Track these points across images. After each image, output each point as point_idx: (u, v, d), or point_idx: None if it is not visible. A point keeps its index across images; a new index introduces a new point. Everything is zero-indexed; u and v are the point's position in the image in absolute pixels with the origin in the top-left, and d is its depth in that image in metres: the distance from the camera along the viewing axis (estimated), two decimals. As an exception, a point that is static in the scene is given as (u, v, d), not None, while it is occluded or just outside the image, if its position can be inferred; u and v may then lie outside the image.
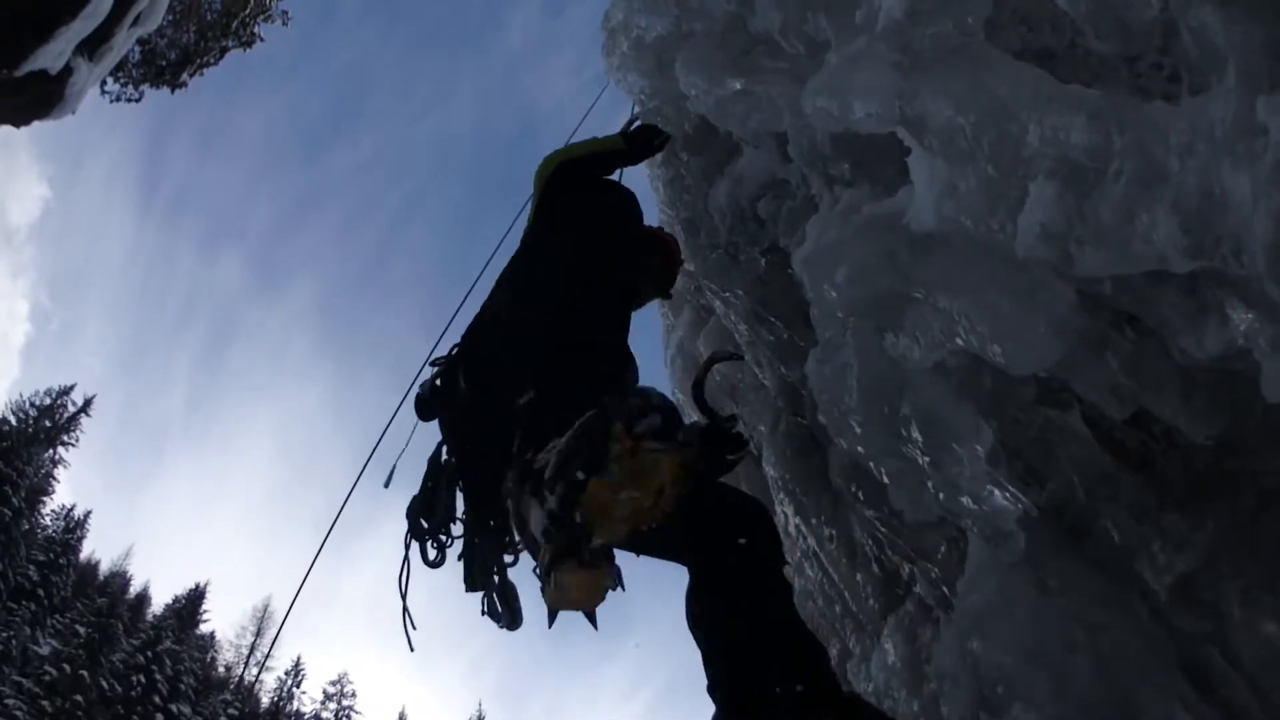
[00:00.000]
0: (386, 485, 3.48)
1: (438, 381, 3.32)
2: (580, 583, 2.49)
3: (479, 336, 3.36)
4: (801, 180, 3.53)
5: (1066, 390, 2.37)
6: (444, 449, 3.28)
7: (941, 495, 2.24)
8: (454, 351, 3.41)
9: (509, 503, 2.65)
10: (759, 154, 3.87)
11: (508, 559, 3.20)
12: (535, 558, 2.58)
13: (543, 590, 2.53)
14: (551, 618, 2.63)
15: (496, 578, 3.16)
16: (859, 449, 2.34)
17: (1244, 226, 1.56)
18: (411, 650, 3.24)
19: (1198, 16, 1.77)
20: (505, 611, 3.17)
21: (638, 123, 3.96)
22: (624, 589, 2.68)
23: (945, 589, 2.72)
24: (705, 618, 2.70)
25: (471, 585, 3.20)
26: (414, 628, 3.22)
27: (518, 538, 2.75)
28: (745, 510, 2.71)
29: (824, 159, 3.24)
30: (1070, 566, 2.38)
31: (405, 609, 3.22)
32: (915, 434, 2.17)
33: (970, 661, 2.38)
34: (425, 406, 3.33)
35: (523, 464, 2.61)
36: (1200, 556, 2.22)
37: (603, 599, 2.61)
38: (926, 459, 2.18)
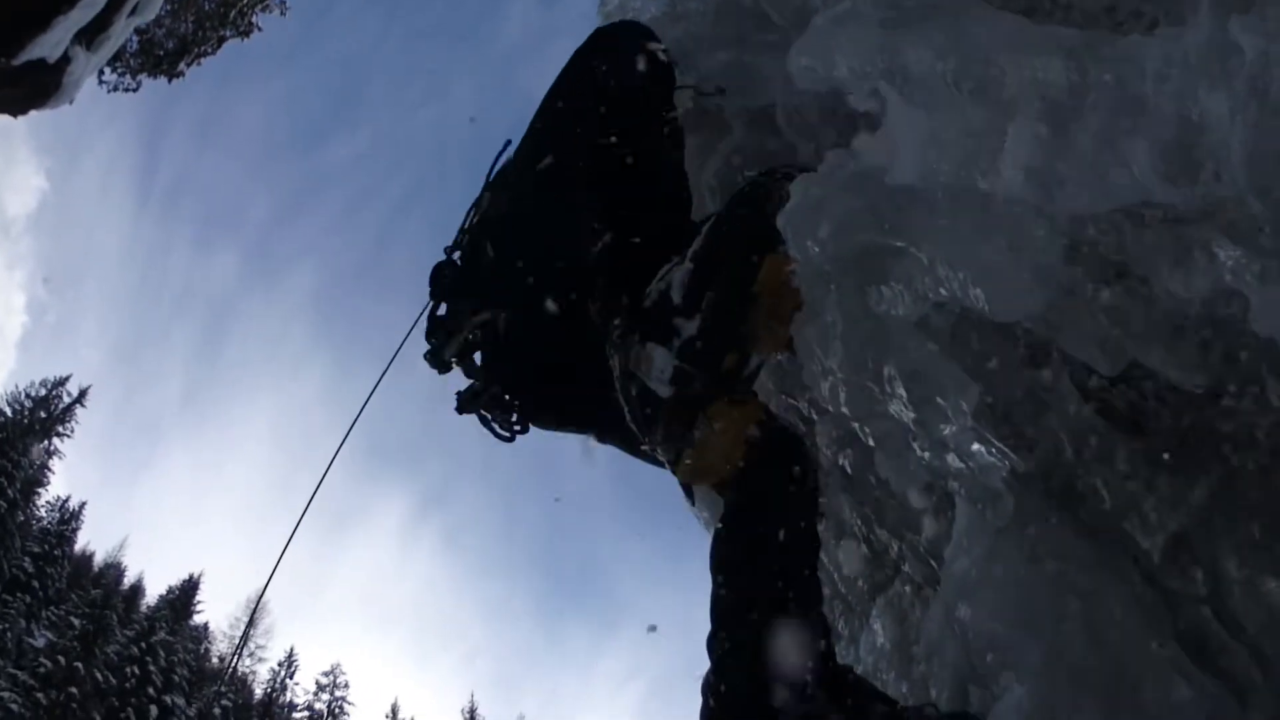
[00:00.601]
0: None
1: (455, 256, 3.16)
2: (729, 431, 2.15)
3: (506, 201, 3.16)
4: (792, 151, 3.50)
5: (1055, 350, 2.34)
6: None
7: (927, 455, 2.19)
8: (468, 226, 3.22)
9: (614, 363, 2.32)
10: (747, 129, 3.84)
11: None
12: (646, 432, 2.26)
13: (674, 466, 2.21)
14: (691, 496, 2.23)
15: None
16: (844, 410, 2.30)
17: (1222, 144, 1.54)
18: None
19: (1171, -52, 1.75)
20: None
21: None
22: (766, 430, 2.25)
23: (934, 563, 2.68)
24: (729, 561, 2.44)
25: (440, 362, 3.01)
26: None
27: (628, 414, 2.36)
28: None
29: (812, 128, 3.21)
30: (1060, 532, 2.32)
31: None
32: (900, 390, 2.13)
33: (958, 630, 2.32)
34: (442, 284, 3.15)
35: (626, 311, 2.30)
36: (1194, 514, 2.16)
37: (741, 457, 2.21)
38: (911, 415, 2.14)
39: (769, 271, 2.20)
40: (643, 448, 2.25)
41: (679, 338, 2.19)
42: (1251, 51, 1.47)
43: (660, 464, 2.93)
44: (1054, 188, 1.81)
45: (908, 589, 2.99)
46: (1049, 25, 1.91)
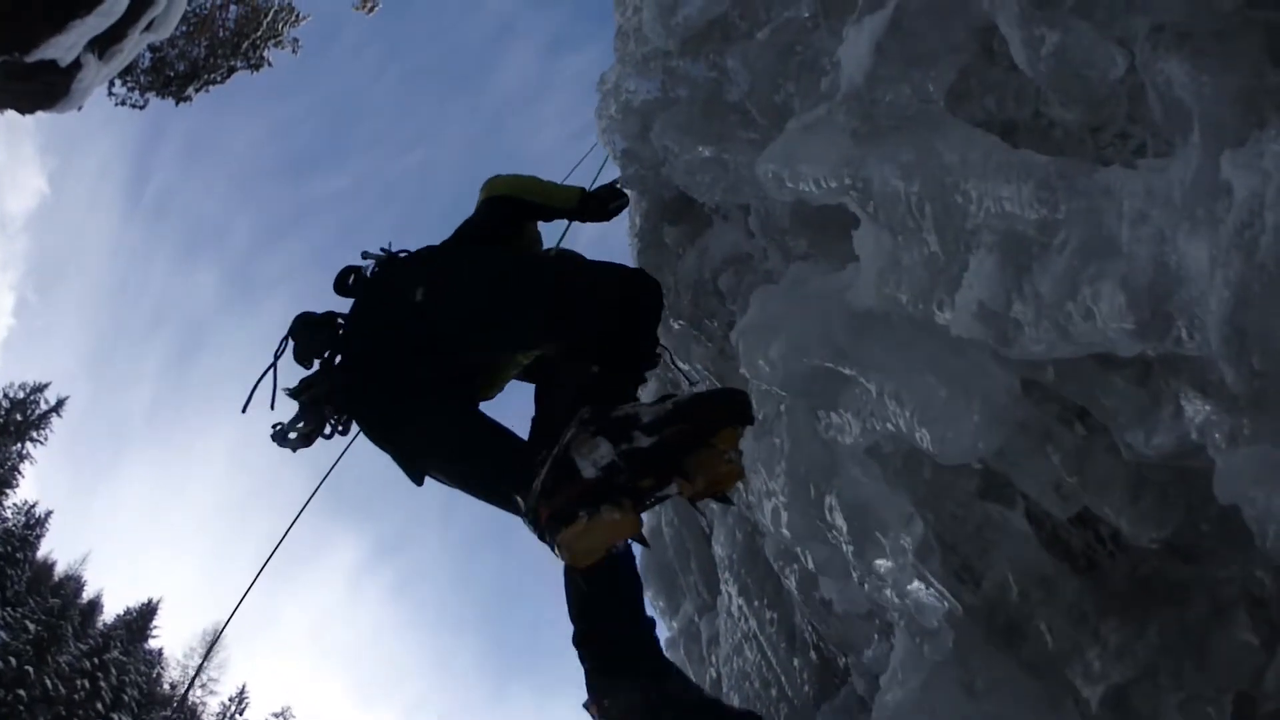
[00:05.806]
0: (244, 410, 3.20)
1: (370, 272, 3.16)
2: (611, 529, 2.28)
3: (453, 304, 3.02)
4: (763, 254, 3.40)
5: (1010, 486, 2.20)
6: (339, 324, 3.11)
7: (866, 586, 2.06)
8: (420, 262, 3.17)
9: (564, 437, 2.45)
10: (726, 226, 3.72)
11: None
12: (549, 494, 2.37)
13: (555, 539, 2.31)
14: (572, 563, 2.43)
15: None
16: (785, 533, 2.17)
17: (1199, 300, 1.31)
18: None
19: (1164, 70, 1.55)
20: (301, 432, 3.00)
21: (615, 185, 3.85)
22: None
23: (878, 682, 2.57)
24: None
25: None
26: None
27: (544, 476, 2.51)
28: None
29: (782, 232, 3.11)
30: (1000, 669, 2.15)
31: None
32: (839, 521, 1.99)
33: (886, 761, 2.20)
34: (347, 284, 3.17)
35: (593, 413, 2.44)
36: (1139, 666, 2.00)
37: (603, 555, 2.40)
38: (850, 548, 2.00)
39: (725, 434, 2.38)
40: (516, 497, 2.43)
41: (630, 444, 2.35)
42: (1242, 192, 1.25)
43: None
44: (1010, 330, 1.60)
45: (852, 701, 2.90)
46: (1024, 150, 1.71)
